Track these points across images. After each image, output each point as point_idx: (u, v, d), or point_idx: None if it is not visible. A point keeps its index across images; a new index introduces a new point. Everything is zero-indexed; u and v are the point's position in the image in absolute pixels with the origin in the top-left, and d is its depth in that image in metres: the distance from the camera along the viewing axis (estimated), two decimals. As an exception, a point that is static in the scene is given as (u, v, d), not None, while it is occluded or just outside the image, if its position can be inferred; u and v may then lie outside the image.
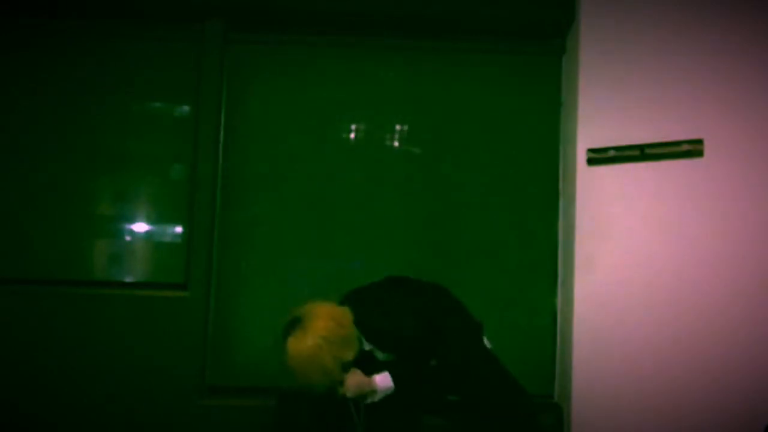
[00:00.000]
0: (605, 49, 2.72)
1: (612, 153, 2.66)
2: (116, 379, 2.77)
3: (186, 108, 2.96)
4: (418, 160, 2.99)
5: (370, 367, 2.18)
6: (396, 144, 3.00)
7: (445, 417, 2.30)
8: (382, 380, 2.15)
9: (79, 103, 2.91)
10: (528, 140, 2.98)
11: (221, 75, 2.91)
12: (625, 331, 2.58)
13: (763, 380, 2.33)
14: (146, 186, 2.96)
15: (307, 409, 2.36)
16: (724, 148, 2.45)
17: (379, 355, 2.22)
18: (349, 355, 2.13)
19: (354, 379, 2.13)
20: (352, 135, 2.99)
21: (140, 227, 2.94)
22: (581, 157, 2.74)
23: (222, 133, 2.92)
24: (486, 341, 2.30)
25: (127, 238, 2.94)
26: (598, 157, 2.70)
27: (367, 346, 2.20)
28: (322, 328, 2.08)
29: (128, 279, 2.92)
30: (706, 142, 2.48)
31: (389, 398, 2.15)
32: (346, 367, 2.12)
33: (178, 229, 2.93)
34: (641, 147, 2.60)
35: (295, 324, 2.11)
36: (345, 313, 2.15)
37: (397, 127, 3.00)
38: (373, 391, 2.14)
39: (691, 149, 2.50)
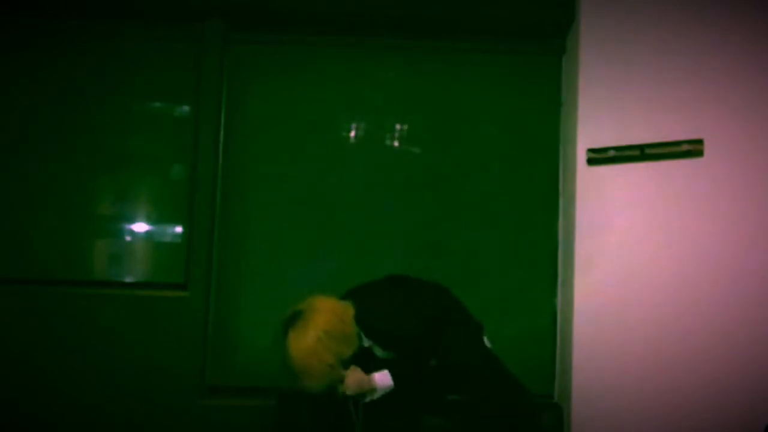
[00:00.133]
0: (605, 49, 2.72)
1: (612, 153, 2.66)
2: (116, 379, 2.77)
3: (186, 108, 2.96)
4: (418, 160, 2.99)
5: (369, 364, 2.18)
6: (396, 144, 3.00)
7: (445, 416, 2.30)
8: (382, 378, 2.15)
9: (79, 103, 2.91)
10: (528, 140, 2.98)
11: (221, 75, 2.91)
12: (625, 331, 2.58)
13: (763, 380, 2.33)
14: (146, 186, 2.96)
15: (307, 409, 2.35)
16: (724, 148, 2.45)
17: (378, 353, 2.21)
18: (349, 351, 2.12)
19: (354, 377, 2.12)
20: (352, 135, 2.99)
21: (140, 227, 2.94)
22: (581, 157, 2.74)
23: (222, 133, 2.92)
24: (486, 341, 2.30)
25: (127, 238, 2.94)
26: (598, 157, 2.70)
27: (366, 343, 2.19)
28: (324, 322, 2.07)
29: (128, 279, 2.92)
30: (706, 142, 2.48)
31: (388, 397, 2.15)
32: (345, 364, 2.12)
33: (178, 229, 2.93)
34: (641, 147, 2.60)
35: (296, 318, 2.11)
36: (346, 308, 2.14)
37: (397, 127, 3.00)
38: (373, 390, 2.14)
39: (691, 149, 2.50)
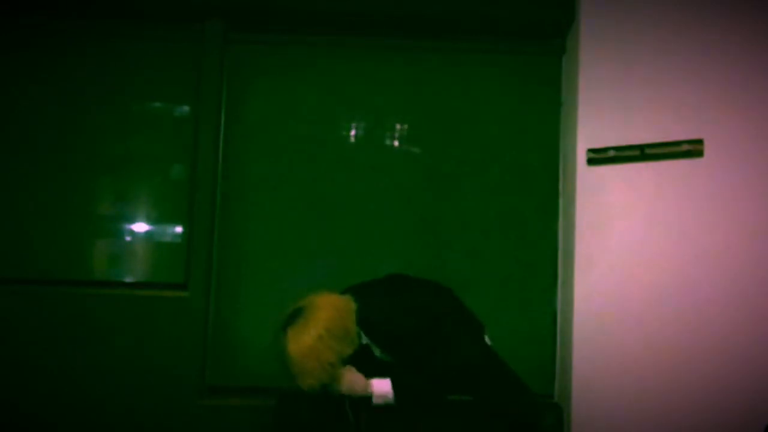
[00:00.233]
0: (605, 49, 2.72)
1: (612, 153, 2.66)
2: (116, 379, 2.77)
3: (186, 108, 2.96)
4: (417, 160, 2.99)
5: (367, 364, 2.17)
6: (396, 144, 3.00)
7: (445, 416, 2.30)
8: (380, 386, 2.13)
9: (79, 103, 2.91)
10: (528, 140, 2.98)
11: (221, 75, 2.91)
12: (625, 331, 2.58)
13: (763, 380, 2.33)
14: (146, 186, 2.96)
15: (307, 409, 2.35)
16: (724, 148, 2.45)
17: (377, 352, 2.21)
18: (350, 349, 2.10)
19: (347, 377, 2.11)
20: (352, 135, 3.00)
21: (140, 227, 2.94)
22: (581, 157, 2.74)
23: (222, 133, 2.92)
24: (487, 339, 2.30)
25: (127, 238, 2.94)
26: (598, 157, 2.70)
27: (365, 340, 2.18)
28: (326, 320, 2.06)
29: (128, 279, 2.92)
30: (706, 142, 2.48)
31: (388, 405, 2.14)
32: (343, 363, 2.11)
33: (178, 229, 2.93)
34: (641, 147, 2.60)
35: (296, 315, 2.09)
36: (348, 304, 2.13)
37: (397, 127, 3.00)
38: (367, 393, 2.13)
39: (691, 149, 2.50)
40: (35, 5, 2.87)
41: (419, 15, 2.91)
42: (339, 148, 2.98)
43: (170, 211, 2.94)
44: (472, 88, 2.99)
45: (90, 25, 2.93)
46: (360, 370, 2.15)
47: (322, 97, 2.97)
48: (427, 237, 2.94)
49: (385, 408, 2.16)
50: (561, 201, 2.93)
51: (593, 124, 2.72)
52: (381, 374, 2.16)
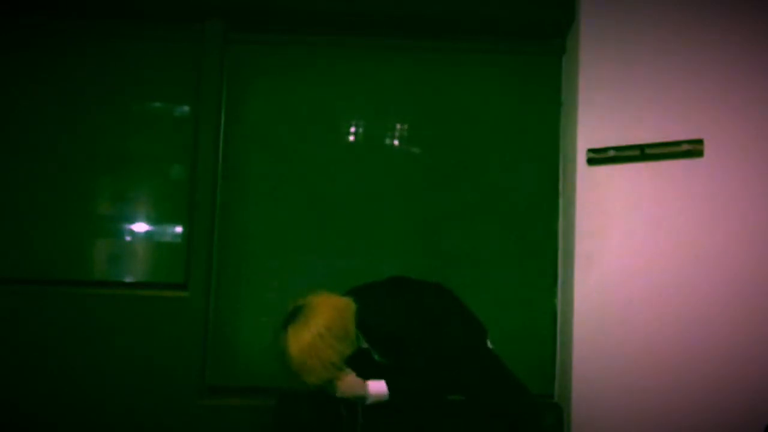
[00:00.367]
0: (605, 49, 2.72)
1: (612, 153, 2.66)
2: (116, 378, 2.77)
3: (186, 108, 2.96)
4: (417, 160, 2.99)
5: (367, 367, 2.17)
6: (396, 144, 3.00)
7: (445, 417, 2.30)
8: (376, 387, 2.13)
9: (79, 103, 2.91)
10: (528, 140, 2.98)
11: (221, 75, 2.91)
12: (625, 331, 2.58)
13: (763, 380, 2.33)
14: (146, 186, 2.96)
15: (307, 409, 2.35)
16: (724, 148, 2.45)
17: (376, 356, 2.20)
18: (349, 349, 2.10)
19: (347, 380, 2.11)
20: (352, 135, 3.00)
21: (140, 227, 2.94)
22: (581, 157, 2.74)
23: (222, 133, 2.92)
24: (489, 344, 2.29)
25: (127, 238, 2.94)
26: (598, 157, 2.70)
27: (364, 344, 2.18)
28: (325, 319, 2.05)
29: (128, 279, 2.92)
30: (706, 142, 2.48)
31: (384, 405, 2.14)
32: (343, 365, 2.11)
33: (178, 229, 2.93)
34: (641, 147, 2.60)
35: (296, 313, 2.09)
36: (348, 305, 2.12)
37: (397, 127, 3.00)
38: (364, 397, 2.13)
39: (691, 149, 2.50)
40: (35, 5, 2.87)
41: (419, 15, 2.91)
42: (339, 148, 2.98)
43: (170, 211, 2.94)
44: (472, 88, 2.99)
45: (90, 25, 2.93)
46: (359, 373, 2.14)
47: (322, 97, 2.97)
48: (426, 237, 2.94)
49: (383, 408, 2.16)
50: (561, 201, 2.93)
51: (593, 124, 2.72)
52: (379, 377, 2.16)
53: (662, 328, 2.51)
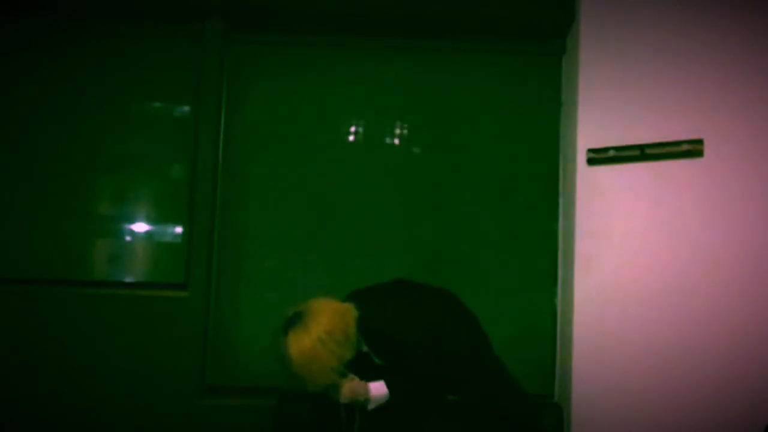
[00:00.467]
0: (605, 49, 2.72)
1: (612, 153, 2.66)
2: (116, 379, 2.77)
3: (186, 108, 2.96)
4: (417, 160, 2.99)
5: (367, 371, 2.17)
6: (396, 144, 3.00)
7: (445, 418, 2.30)
8: (377, 388, 2.13)
9: (79, 103, 2.91)
10: (528, 140, 2.98)
11: (221, 75, 2.91)
12: (625, 331, 2.58)
13: (763, 380, 2.33)
14: (146, 186, 2.96)
15: (307, 409, 2.35)
16: (724, 148, 2.45)
17: (376, 360, 2.20)
18: (350, 354, 2.11)
19: (349, 385, 2.11)
20: (352, 135, 2.99)
21: (140, 227, 2.94)
22: (581, 157, 2.74)
23: (222, 133, 2.92)
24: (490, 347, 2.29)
25: (127, 238, 2.94)
26: (598, 157, 2.70)
27: (364, 348, 2.18)
28: (325, 324, 2.06)
29: (128, 279, 2.92)
30: (706, 142, 2.48)
31: (384, 407, 2.14)
32: (343, 370, 2.11)
33: (178, 229, 2.93)
34: (641, 147, 2.60)
35: (296, 319, 2.09)
36: (348, 310, 2.13)
37: (397, 127, 3.00)
38: (367, 399, 2.13)
39: (691, 149, 2.50)
40: (35, 5, 2.87)
41: (419, 15, 2.91)
42: (339, 148, 2.98)
43: (170, 211, 2.94)
44: (472, 88, 2.99)
45: (90, 25, 2.93)
46: (359, 376, 2.14)
47: (322, 96, 2.97)
48: (426, 237, 2.94)
49: (382, 410, 2.16)
50: (561, 201, 2.93)
51: (593, 124, 2.72)
52: (379, 380, 2.16)
53: (662, 328, 2.51)
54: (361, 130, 3.00)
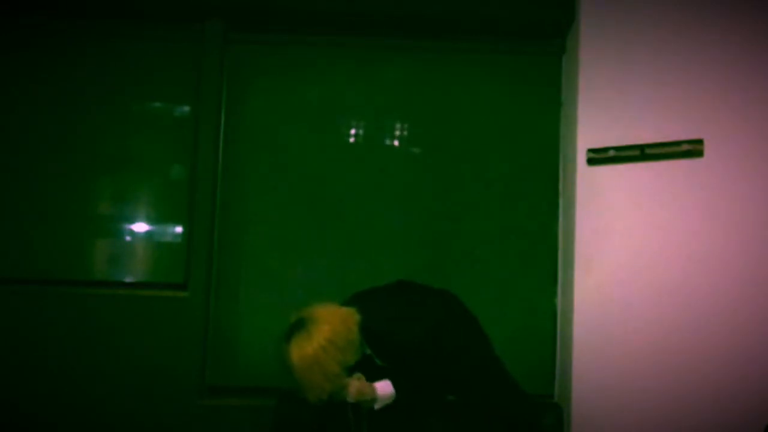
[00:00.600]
0: (605, 49, 2.72)
1: (612, 153, 2.66)
2: (116, 379, 2.77)
3: (186, 108, 2.96)
4: (417, 160, 2.99)
5: (369, 372, 2.17)
6: (396, 144, 3.00)
7: (445, 418, 2.30)
8: (383, 387, 2.13)
9: (79, 103, 2.91)
10: (528, 140, 2.98)
11: (221, 75, 2.91)
12: (625, 331, 2.58)
13: (763, 380, 2.33)
14: (146, 186, 2.96)
15: (307, 409, 2.35)
16: (724, 148, 2.45)
17: (379, 362, 2.20)
18: (353, 359, 2.10)
19: (355, 385, 2.11)
20: (352, 135, 2.99)
21: (140, 227, 2.94)
22: (581, 157, 2.74)
23: (222, 133, 2.92)
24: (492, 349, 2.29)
25: (127, 238, 2.94)
26: (598, 157, 2.70)
27: (368, 350, 2.18)
28: (327, 331, 2.05)
29: (128, 279, 2.92)
30: (706, 142, 2.48)
31: (390, 406, 2.14)
32: (348, 372, 2.11)
33: (178, 229, 2.93)
34: (641, 147, 2.60)
35: (299, 326, 2.09)
36: (351, 315, 2.12)
37: (397, 127, 3.00)
38: (374, 399, 2.13)
39: (691, 149, 2.50)
40: (35, 5, 2.87)
41: (419, 15, 2.91)
42: (339, 148, 2.98)
43: (170, 211, 2.94)
44: (472, 88, 2.99)
45: (90, 25, 2.93)
46: (365, 377, 2.14)
47: (323, 96, 2.97)
48: (427, 237, 2.94)
49: (386, 410, 2.16)
50: (561, 201, 2.93)
51: (593, 124, 2.72)
52: (382, 379, 2.16)
53: (662, 327, 2.51)
54: (361, 130, 3.00)
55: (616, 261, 2.63)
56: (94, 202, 2.93)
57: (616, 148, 2.65)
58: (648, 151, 2.58)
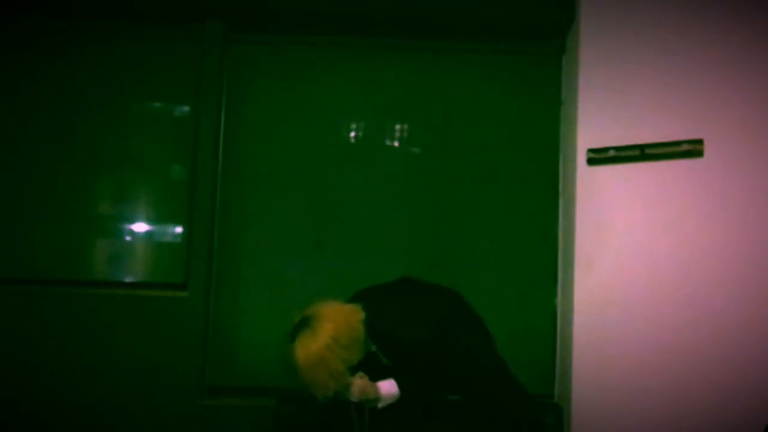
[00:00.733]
0: (605, 49, 2.72)
1: (612, 153, 2.66)
2: (116, 379, 2.77)
3: (186, 108, 2.96)
4: (417, 160, 2.99)
5: (374, 370, 2.17)
6: (396, 144, 3.00)
7: (447, 418, 2.30)
8: (388, 387, 2.13)
9: (79, 103, 2.91)
10: (528, 140, 2.98)
11: (221, 75, 2.91)
12: (625, 331, 2.58)
13: (763, 380, 2.33)
14: (146, 186, 2.96)
15: (308, 409, 2.35)
16: (724, 148, 2.45)
17: (384, 360, 2.20)
18: (358, 356, 2.10)
19: (359, 384, 2.11)
20: (352, 135, 3.00)
21: (140, 227, 2.94)
22: (581, 157, 2.74)
23: (222, 133, 2.92)
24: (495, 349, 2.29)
25: (127, 238, 2.94)
26: (598, 157, 2.70)
27: (373, 348, 2.18)
28: (332, 330, 2.05)
29: (128, 279, 2.92)
30: (706, 142, 2.48)
31: (394, 405, 2.14)
32: (352, 370, 2.11)
33: (178, 229, 2.93)
34: (641, 147, 2.60)
35: (303, 325, 2.09)
36: (355, 312, 2.12)
37: (397, 127, 3.00)
38: (377, 398, 2.13)
39: (691, 149, 2.50)
40: (35, 5, 2.87)
41: (419, 15, 2.91)
42: (339, 148, 2.98)
43: (170, 211, 2.94)
44: (472, 88, 2.99)
45: (90, 25, 2.93)
46: (369, 376, 2.14)
47: (323, 96, 2.97)
48: (427, 236, 2.94)
49: (388, 409, 2.16)
50: (561, 201, 2.93)
51: (593, 124, 2.72)
52: (387, 378, 2.16)
53: (662, 328, 2.51)
54: (361, 130, 3.00)
55: (616, 261, 2.63)
56: (94, 202, 2.93)
57: (616, 148, 2.65)
58: (648, 151, 2.58)
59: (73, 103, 2.91)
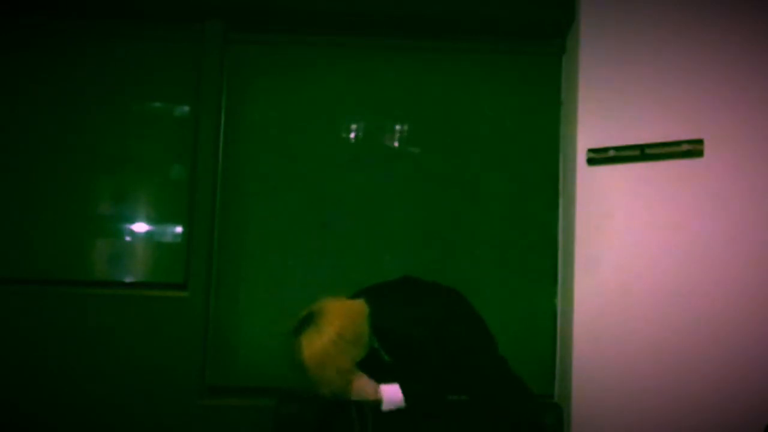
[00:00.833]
0: (605, 49, 2.72)
1: (612, 153, 2.66)
2: (116, 379, 2.77)
3: (186, 108, 2.96)
4: (417, 160, 2.99)
5: (377, 368, 2.16)
6: (396, 144, 3.00)
7: (448, 418, 2.30)
8: (392, 393, 2.12)
9: (79, 103, 2.91)
10: (528, 140, 2.98)
11: (221, 75, 2.91)
12: (625, 331, 2.58)
13: (763, 380, 2.33)
14: (146, 186, 2.96)
15: (308, 409, 2.35)
16: (724, 148, 2.45)
17: (386, 357, 2.20)
18: (363, 352, 2.09)
19: (358, 383, 2.11)
20: (352, 135, 3.00)
21: (140, 227, 2.94)
22: (581, 157, 2.74)
23: (222, 133, 2.92)
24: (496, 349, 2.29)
25: (127, 238, 2.94)
26: (598, 157, 2.70)
27: (376, 344, 2.18)
28: (337, 326, 2.04)
29: (128, 279, 2.92)
30: (706, 142, 2.48)
31: (398, 411, 2.14)
32: (354, 369, 2.11)
33: (178, 229, 2.93)
34: (641, 147, 2.60)
35: (308, 321, 2.08)
36: (360, 308, 2.12)
37: (397, 127, 3.00)
38: (377, 401, 2.12)
39: (691, 149, 2.50)
40: (35, 5, 2.87)
41: (419, 15, 2.91)
42: (339, 148, 2.98)
43: (170, 211, 2.94)
44: (472, 88, 2.99)
45: (90, 25, 2.93)
46: (368, 373, 2.14)
47: (322, 97, 2.97)
48: (427, 236, 2.94)
49: (391, 411, 2.16)
50: (561, 201, 2.93)
51: (593, 124, 2.72)
52: (389, 378, 2.16)
53: (662, 328, 2.51)
54: (361, 130, 3.00)
55: (616, 261, 2.63)
56: (94, 202, 2.93)
57: (616, 148, 2.65)
58: (648, 151, 2.58)
59: (73, 103, 2.91)
